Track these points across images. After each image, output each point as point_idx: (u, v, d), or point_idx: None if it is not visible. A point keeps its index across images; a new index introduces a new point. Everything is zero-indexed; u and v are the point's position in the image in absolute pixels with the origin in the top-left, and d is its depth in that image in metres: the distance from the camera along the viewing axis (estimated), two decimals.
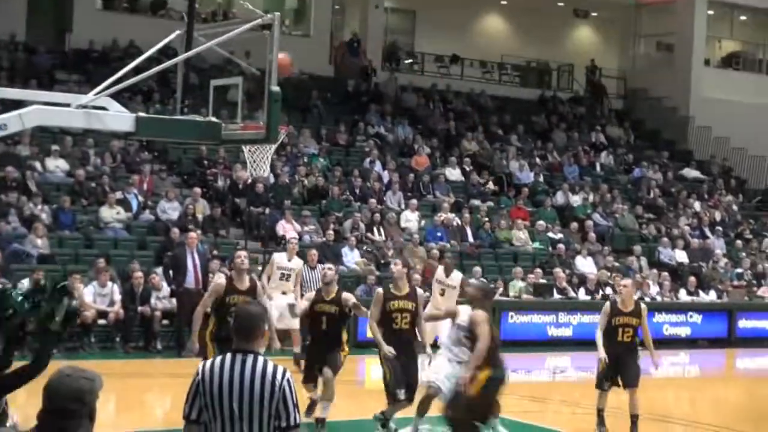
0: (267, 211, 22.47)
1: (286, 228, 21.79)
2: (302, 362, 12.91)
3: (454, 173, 27.42)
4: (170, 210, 21.56)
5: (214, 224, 21.64)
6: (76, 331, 17.71)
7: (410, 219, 23.99)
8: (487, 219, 25.21)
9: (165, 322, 18.58)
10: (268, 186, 23.20)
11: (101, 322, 18.08)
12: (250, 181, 22.55)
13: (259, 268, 18.56)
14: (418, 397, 11.23)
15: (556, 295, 22.58)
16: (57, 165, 22.06)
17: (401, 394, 11.13)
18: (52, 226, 20.05)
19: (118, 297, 18.22)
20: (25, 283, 17.30)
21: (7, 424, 6.00)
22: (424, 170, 26.86)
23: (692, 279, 24.87)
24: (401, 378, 11.11)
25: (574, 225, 26.19)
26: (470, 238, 24.32)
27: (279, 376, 5.26)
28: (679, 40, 36.04)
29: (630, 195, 29.71)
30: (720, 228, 28.64)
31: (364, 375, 17.46)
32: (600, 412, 12.20)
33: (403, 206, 24.76)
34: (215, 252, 20.09)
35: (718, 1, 36.30)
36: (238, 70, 10.90)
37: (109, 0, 29.82)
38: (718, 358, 23.19)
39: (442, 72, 34.49)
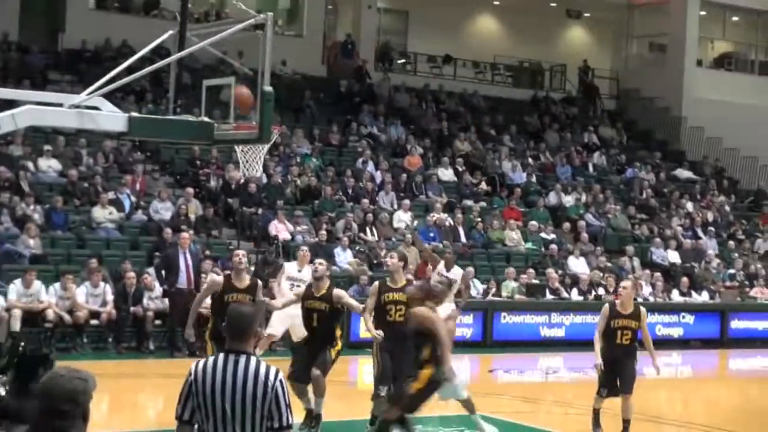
0: (260, 211, 22.43)
1: (279, 228, 21.80)
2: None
3: (446, 173, 27.40)
4: (163, 210, 21.54)
5: (206, 224, 21.62)
6: (69, 332, 17.73)
7: (403, 219, 23.98)
8: (479, 219, 25.20)
9: (157, 322, 18.52)
10: (260, 186, 23.16)
11: (94, 322, 18.01)
12: (242, 181, 22.51)
13: (252, 268, 18.52)
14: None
15: (549, 296, 22.59)
16: (49, 165, 22.02)
17: (383, 391, 11.14)
18: (44, 226, 20.00)
19: (110, 297, 18.16)
20: (17, 283, 17.35)
21: None
22: (416, 170, 26.84)
23: (685, 279, 24.87)
24: (388, 376, 11.11)
25: (567, 225, 26.17)
26: (463, 239, 24.29)
27: (271, 377, 5.27)
28: (672, 40, 36.09)
29: (622, 195, 29.72)
30: (712, 228, 28.65)
31: (356, 376, 17.45)
32: (596, 413, 12.17)
33: (395, 206, 24.73)
34: (208, 252, 20.05)
35: (711, 2, 36.34)
36: (231, 70, 10.93)
37: (102, 0, 29.75)
38: (710, 358, 23.20)
39: (435, 72, 34.48)
